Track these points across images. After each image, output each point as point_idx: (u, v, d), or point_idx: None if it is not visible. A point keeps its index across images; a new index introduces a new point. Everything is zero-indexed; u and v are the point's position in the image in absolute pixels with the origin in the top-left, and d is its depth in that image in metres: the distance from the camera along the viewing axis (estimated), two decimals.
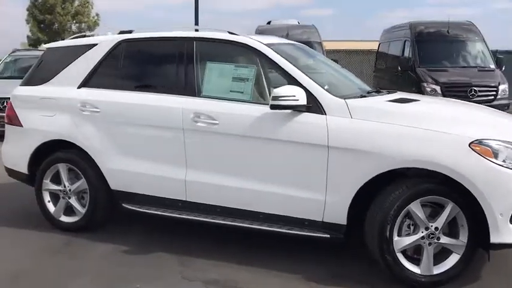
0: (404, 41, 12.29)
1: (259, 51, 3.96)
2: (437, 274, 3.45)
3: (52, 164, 4.60)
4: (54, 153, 4.59)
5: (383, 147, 3.43)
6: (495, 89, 10.57)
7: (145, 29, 4.60)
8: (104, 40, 4.58)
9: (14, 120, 4.80)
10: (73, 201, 4.57)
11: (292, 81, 3.79)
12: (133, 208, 4.32)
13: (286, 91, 3.63)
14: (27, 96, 4.81)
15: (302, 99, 3.63)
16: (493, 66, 11.28)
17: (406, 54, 12.02)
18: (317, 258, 3.99)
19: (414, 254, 3.52)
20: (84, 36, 4.95)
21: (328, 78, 4.28)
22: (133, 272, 3.80)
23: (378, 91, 4.44)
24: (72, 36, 5.01)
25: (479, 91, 10.44)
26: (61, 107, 4.54)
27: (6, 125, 4.96)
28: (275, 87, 3.76)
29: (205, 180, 3.99)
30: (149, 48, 4.51)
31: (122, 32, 4.66)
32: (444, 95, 9.99)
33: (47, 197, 4.68)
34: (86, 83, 4.52)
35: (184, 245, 4.26)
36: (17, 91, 4.94)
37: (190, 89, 4.09)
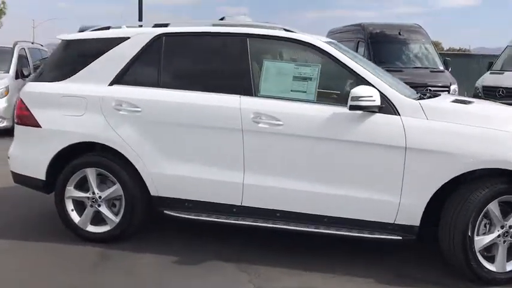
0: (358, 42, 12.54)
1: (324, 50, 3.83)
2: (510, 271, 3.55)
3: (78, 168, 4.15)
4: (80, 156, 4.15)
5: (463, 148, 3.46)
6: (447, 88, 11.15)
7: (183, 23, 4.30)
8: (138, 33, 4.20)
9: (29, 121, 4.27)
10: (104, 210, 4.16)
11: (361, 81, 3.70)
12: (178, 215, 4.01)
13: (364, 91, 3.54)
14: (45, 94, 4.29)
15: (377, 100, 3.57)
16: (442, 67, 11.84)
17: (361, 53, 12.37)
18: (380, 258, 3.97)
19: (485, 252, 3.60)
20: (108, 28, 4.50)
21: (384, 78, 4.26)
22: (199, 284, 3.53)
23: (423, 93, 4.46)
24: (93, 28, 4.55)
25: (434, 91, 10.99)
26: (91, 105, 4.10)
27: (16, 126, 4.41)
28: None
29: (266, 183, 3.80)
30: (195, 44, 4.18)
31: (156, 26, 4.31)
32: None
33: (70, 206, 4.22)
34: (118, 80, 4.12)
35: (233, 251, 4.04)
36: (30, 88, 4.40)
37: (247, 87, 3.86)
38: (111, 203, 4.18)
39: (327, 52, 3.82)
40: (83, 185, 4.21)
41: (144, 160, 3.99)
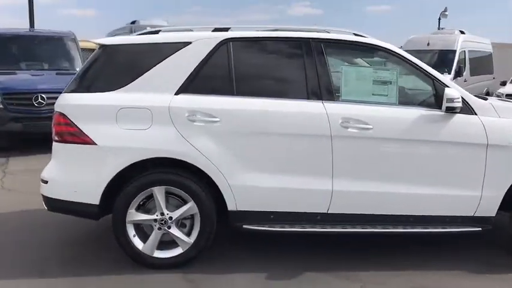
0: None
1: (399, 54, 3.93)
2: None
3: (144, 188, 3.72)
4: (143, 174, 3.72)
5: None
6: None
7: (244, 28, 4.08)
8: (200, 38, 3.88)
9: (76, 138, 3.71)
10: (175, 231, 3.78)
11: (438, 83, 3.88)
12: (260, 228, 3.81)
13: (456, 93, 3.73)
14: (96, 107, 3.76)
15: (461, 101, 3.78)
16: None
17: None
18: (467, 251, 4.18)
19: None
20: (157, 32, 4.07)
21: None
22: None
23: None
24: (140, 32, 4.08)
25: None
26: (159, 117, 3.70)
27: (56, 145, 3.80)
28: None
29: (356, 188, 3.79)
30: (266, 49, 3.99)
31: (217, 30, 4.03)
32: None
33: (131, 231, 3.76)
34: (186, 89, 3.77)
35: (315, 260, 3.96)
36: (73, 100, 3.81)
37: (327, 93, 3.82)
38: (180, 223, 3.82)
39: (402, 56, 3.93)
40: (144, 207, 3.79)
41: (224, 173, 3.71)
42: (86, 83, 3.88)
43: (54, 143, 3.84)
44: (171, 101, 3.73)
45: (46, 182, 3.82)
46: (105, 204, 3.74)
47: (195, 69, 3.79)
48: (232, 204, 3.76)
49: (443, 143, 3.80)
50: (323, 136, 3.73)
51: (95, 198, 3.71)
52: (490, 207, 3.87)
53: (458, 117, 3.80)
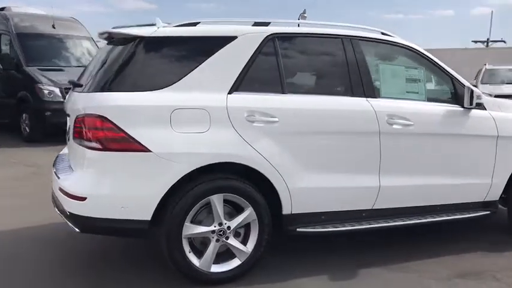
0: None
1: (422, 53, 4.15)
2: None
3: (202, 197, 3.35)
4: (199, 182, 3.35)
5: None
6: None
7: (285, 23, 3.89)
8: (246, 33, 3.60)
9: (124, 145, 3.17)
10: (233, 242, 3.48)
11: (453, 82, 4.20)
12: (315, 230, 3.72)
13: (479, 91, 4.08)
14: (144, 108, 3.24)
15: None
16: None
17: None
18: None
19: None
20: (195, 24, 3.60)
21: None
22: None
23: None
24: (176, 24, 3.57)
25: None
26: (217, 118, 3.34)
27: (93, 154, 3.18)
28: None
29: (399, 183, 3.92)
30: (309, 45, 3.84)
31: (257, 24, 3.77)
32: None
33: (187, 247, 3.37)
34: (238, 87, 3.48)
35: (367, 256, 4.01)
36: (115, 100, 3.22)
37: (370, 90, 3.86)
38: (234, 232, 3.53)
39: (426, 56, 4.16)
40: (197, 218, 3.42)
41: (283, 176, 3.53)
42: (126, 81, 3.31)
43: (87, 151, 3.23)
44: (228, 100, 3.41)
45: (82, 199, 3.19)
46: (155, 220, 3.28)
47: (245, 65, 3.52)
48: (288, 207, 3.60)
49: (465, 136, 4.14)
50: (372, 133, 3.78)
51: (147, 214, 3.23)
52: (496, 192, 4.33)
53: (474, 112, 4.17)
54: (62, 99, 9.36)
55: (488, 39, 35.23)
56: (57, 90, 9.56)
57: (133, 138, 3.17)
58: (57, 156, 4.20)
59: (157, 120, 3.24)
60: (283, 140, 3.51)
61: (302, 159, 3.59)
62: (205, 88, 3.40)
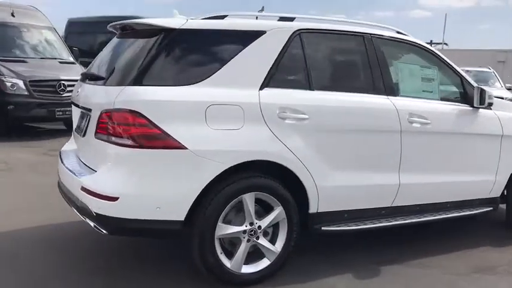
0: None
1: (436, 53, 4.22)
2: None
3: (235, 196, 3.24)
4: (232, 181, 3.24)
5: None
6: None
7: (310, 18, 3.83)
8: (274, 28, 3.51)
9: (159, 142, 3.00)
10: (263, 241, 3.40)
11: (463, 82, 4.30)
12: (339, 228, 3.70)
13: (490, 91, 4.19)
14: (180, 103, 3.08)
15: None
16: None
17: None
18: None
19: None
20: (223, 17, 3.46)
21: None
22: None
23: None
24: (205, 16, 3.41)
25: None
26: (250, 115, 3.24)
27: (125, 151, 2.99)
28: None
29: (416, 181, 3.96)
30: (331, 42, 3.80)
31: (282, 19, 3.69)
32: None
33: (219, 248, 3.25)
34: (268, 83, 3.39)
35: (376, 254, 4.03)
36: (148, 95, 3.04)
37: (390, 88, 3.88)
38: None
39: (439, 55, 4.23)
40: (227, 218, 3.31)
41: (312, 174, 3.48)
42: (158, 74, 3.14)
43: (118, 148, 3.04)
44: (260, 96, 3.32)
45: (114, 199, 3.00)
46: (187, 220, 3.14)
47: (275, 61, 3.44)
48: (315, 206, 3.56)
49: (475, 135, 4.25)
50: (395, 131, 3.80)
51: (181, 214, 3.09)
52: (499, 189, 4.49)
53: (482, 112, 4.29)
54: (26, 93, 8.97)
55: (431, 41, 36.59)
56: (20, 83, 8.99)
57: (169, 135, 3.01)
58: (60, 152, 3.95)
59: (193, 116, 3.10)
60: (312, 137, 3.46)
61: (329, 157, 3.55)
62: (238, 84, 3.29)
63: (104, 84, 3.32)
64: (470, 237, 4.55)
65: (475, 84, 4.28)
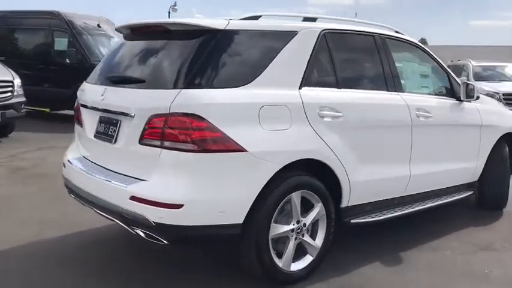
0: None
1: (428, 51, 4.55)
2: None
3: (285, 195, 3.27)
4: (285, 180, 3.26)
5: (501, 121, 5.08)
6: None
7: (330, 19, 3.95)
8: (304, 28, 3.57)
9: (221, 145, 2.94)
10: (308, 238, 3.47)
11: (450, 78, 4.69)
12: (366, 220, 3.88)
13: (475, 85, 4.61)
14: (236, 105, 3.04)
15: None
16: None
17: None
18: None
19: None
20: (258, 17, 3.42)
21: None
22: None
23: None
24: (242, 17, 3.35)
25: None
26: (296, 115, 3.28)
27: (187, 156, 2.89)
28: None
29: (423, 171, 4.25)
30: (350, 42, 3.94)
31: (306, 20, 3.76)
32: None
33: (271, 249, 3.26)
34: (305, 82, 3.46)
35: (389, 240, 4.26)
36: (207, 98, 2.96)
37: (399, 85, 4.13)
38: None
39: (430, 54, 4.57)
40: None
41: (347, 170, 3.61)
42: (209, 77, 3.06)
43: (177, 154, 2.93)
44: (302, 96, 3.37)
45: (178, 207, 2.89)
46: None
47: (308, 60, 3.52)
48: (346, 200, 3.70)
49: (463, 126, 4.67)
50: (408, 125, 4.06)
51: (240, 217, 3.06)
52: (478, 173, 4.96)
53: (466, 104, 4.70)
54: None
55: None
56: None
57: (230, 138, 2.97)
58: (69, 161, 3.71)
59: (248, 118, 3.08)
60: (345, 134, 3.59)
61: (358, 152, 3.70)
62: (281, 84, 3.33)
63: (147, 88, 3.17)
64: (455, 219, 4.96)
65: (460, 80, 4.69)
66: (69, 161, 3.76)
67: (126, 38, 3.81)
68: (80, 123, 3.82)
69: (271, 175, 3.14)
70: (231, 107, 3.05)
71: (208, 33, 3.17)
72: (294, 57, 3.45)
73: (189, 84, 3.00)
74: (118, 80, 3.47)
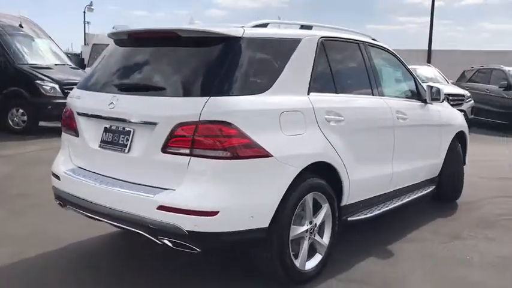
0: None
1: (399, 57, 4.89)
2: None
3: (302, 197, 3.39)
4: (301, 183, 3.36)
5: (454, 121, 5.58)
6: None
7: (323, 27, 4.10)
8: (306, 36, 3.72)
9: (250, 151, 2.99)
10: (318, 238, 3.62)
11: (415, 81, 5.07)
12: (361, 217, 4.11)
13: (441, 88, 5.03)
14: (260, 112, 3.11)
15: None
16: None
17: None
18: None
19: None
20: (266, 25, 3.46)
21: None
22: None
23: None
24: (252, 25, 3.37)
25: None
26: (309, 120, 3.42)
27: (220, 163, 2.91)
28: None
29: (401, 168, 4.57)
30: (341, 49, 4.13)
31: (303, 27, 3.90)
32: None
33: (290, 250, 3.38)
34: (311, 88, 3.61)
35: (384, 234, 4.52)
36: (235, 106, 2.99)
37: (381, 90, 4.42)
38: None
39: (400, 59, 4.92)
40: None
41: (348, 171, 3.81)
42: (233, 84, 3.09)
43: (208, 161, 2.94)
44: (311, 101, 3.52)
45: (213, 214, 2.90)
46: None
47: (312, 67, 3.67)
48: (346, 199, 3.90)
49: (429, 125, 5.09)
50: (391, 127, 4.38)
51: (267, 221, 3.14)
52: (439, 168, 5.40)
53: (429, 106, 5.12)
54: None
55: None
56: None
57: (257, 144, 3.03)
58: (66, 173, 3.57)
59: (271, 123, 3.17)
60: (346, 137, 3.78)
61: (356, 153, 3.91)
62: (293, 90, 3.45)
63: (170, 96, 3.13)
64: (421, 213, 5.36)
65: (424, 84, 5.10)
66: (65, 172, 3.60)
67: (124, 44, 3.71)
68: (75, 133, 3.66)
69: (293, 178, 3.24)
70: (256, 113, 3.12)
71: (227, 41, 3.21)
72: (301, 64, 3.58)
73: (217, 92, 3.02)
74: (131, 87, 3.38)
